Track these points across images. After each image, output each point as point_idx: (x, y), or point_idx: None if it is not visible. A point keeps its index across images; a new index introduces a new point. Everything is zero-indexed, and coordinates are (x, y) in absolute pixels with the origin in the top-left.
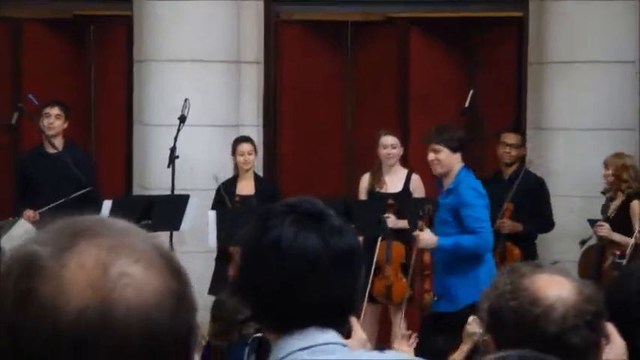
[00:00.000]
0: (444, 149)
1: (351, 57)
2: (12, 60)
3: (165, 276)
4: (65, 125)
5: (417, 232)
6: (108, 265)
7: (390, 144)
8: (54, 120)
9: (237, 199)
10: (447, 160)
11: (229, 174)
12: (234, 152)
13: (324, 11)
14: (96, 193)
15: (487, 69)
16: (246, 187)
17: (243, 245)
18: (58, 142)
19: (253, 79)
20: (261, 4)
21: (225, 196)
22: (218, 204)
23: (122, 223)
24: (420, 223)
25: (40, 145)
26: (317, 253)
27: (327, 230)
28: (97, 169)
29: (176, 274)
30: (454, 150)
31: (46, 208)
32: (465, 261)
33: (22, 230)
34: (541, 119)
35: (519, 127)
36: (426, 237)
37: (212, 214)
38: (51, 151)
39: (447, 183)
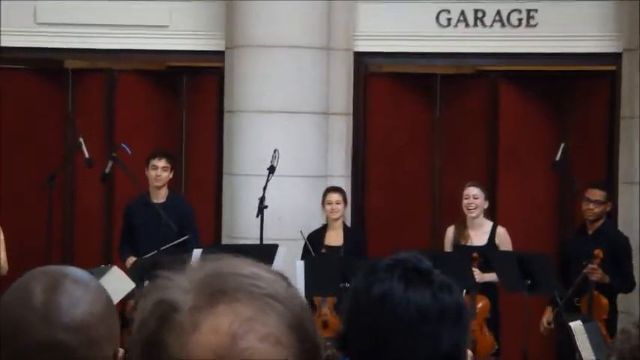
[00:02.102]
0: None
1: (440, 109)
2: (106, 110)
3: (292, 356)
4: (171, 176)
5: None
6: (238, 337)
7: (472, 194)
8: (161, 172)
9: (324, 249)
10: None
11: (317, 224)
12: (323, 202)
13: (414, 64)
14: (196, 243)
15: (578, 122)
16: (334, 238)
17: (350, 298)
18: (163, 193)
19: (342, 130)
20: (351, 56)
21: (312, 247)
22: (307, 254)
23: (266, 285)
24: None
25: (146, 194)
26: (427, 307)
27: (435, 286)
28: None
29: (304, 354)
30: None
31: (147, 256)
32: None
33: (115, 278)
34: (632, 174)
35: (609, 182)
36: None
37: (300, 264)
38: (156, 200)
39: None
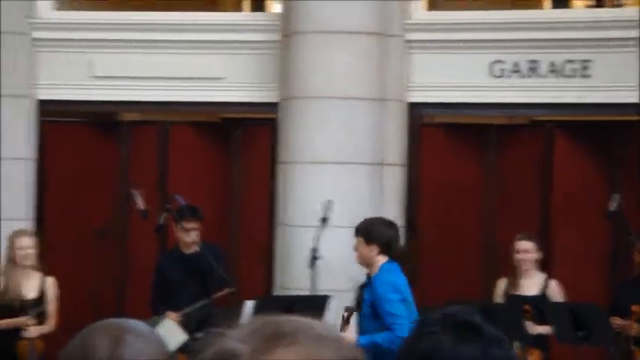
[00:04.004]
0: (359, 239)
1: (493, 160)
2: (160, 161)
3: None
4: (200, 228)
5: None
6: None
7: (522, 249)
8: (192, 231)
9: None
10: (363, 251)
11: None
12: None
13: (467, 114)
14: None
15: (632, 172)
16: None
17: (400, 350)
18: (195, 244)
19: (396, 181)
20: (405, 107)
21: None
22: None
23: (319, 329)
24: (342, 321)
25: (177, 247)
26: None
27: (485, 340)
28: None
29: None
30: (367, 242)
31: (189, 309)
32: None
33: (170, 328)
34: None
35: None
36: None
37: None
38: (187, 251)
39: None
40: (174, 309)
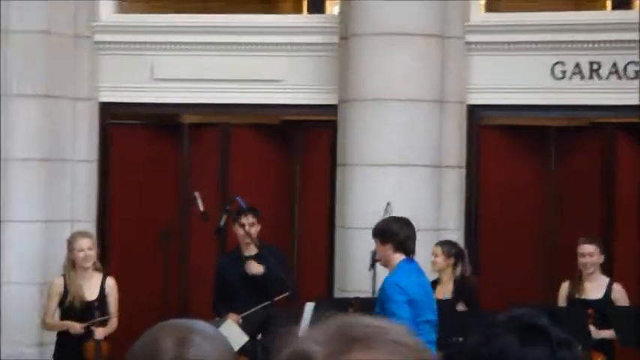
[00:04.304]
0: (375, 241)
1: (554, 162)
2: (221, 164)
3: None
4: (259, 228)
5: None
6: None
7: (587, 252)
8: (250, 228)
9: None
10: (380, 252)
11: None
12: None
13: (527, 116)
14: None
15: None
16: (444, 291)
17: (465, 353)
18: (254, 244)
19: (455, 182)
20: (464, 109)
21: None
22: None
23: (394, 333)
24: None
25: (237, 248)
26: None
27: (554, 343)
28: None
29: None
30: (382, 241)
31: (250, 311)
32: None
33: (232, 330)
34: None
35: None
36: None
37: None
38: (248, 253)
39: None
40: (235, 311)
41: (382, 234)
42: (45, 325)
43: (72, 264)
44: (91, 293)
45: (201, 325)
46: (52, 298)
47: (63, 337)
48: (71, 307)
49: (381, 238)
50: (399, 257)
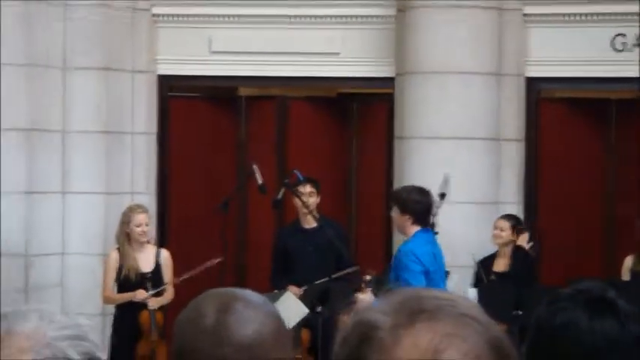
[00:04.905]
0: (394, 208)
1: (614, 135)
2: (278, 136)
3: None
4: (318, 200)
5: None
6: (439, 352)
7: None
8: (307, 198)
9: (492, 276)
10: (398, 220)
11: (489, 251)
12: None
13: (587, 89)
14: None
15: None
16: (503, 264)
17: (532, 327)
18: (314, 218)
19: (514, 156)
20: (523, 82)
21: (482, 273)
22: (478, 281)
23: (463, 307)
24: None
25: (297, 221)
26: (615, 337)
27: (622, 315)
28: (350, 244)
29: None
30: (402, 212)
31: (319, 282)
32: None
33: (290, 302)
34: None
35: None
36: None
37: (472, 292)
38: (307, 226)
39: None
40: (295, 283)
41: (403, 205)
42: (105, 300)
43: (127, 237)
44: (146, 265)
45: (246, 293)
46: (109, 272)
47: (121, 308)
48: (127, 280)
49: (401, 208)
50: (416, 227)
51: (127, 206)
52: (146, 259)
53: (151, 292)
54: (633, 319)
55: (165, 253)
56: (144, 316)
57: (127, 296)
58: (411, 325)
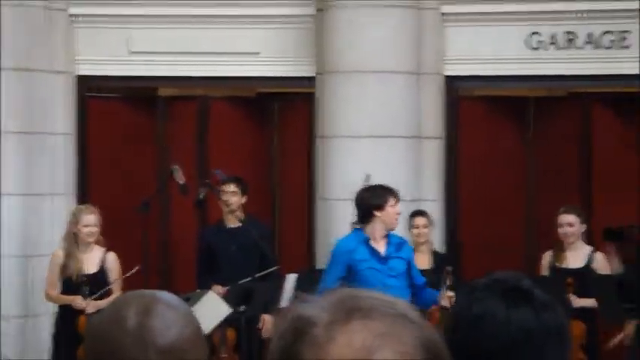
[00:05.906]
0: None
1: (532, 132)
2: (198, 137)
3: None
4: (243, 200)
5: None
6: (373, 351)
7: (566, 222)
8: (230, 197)
9: None
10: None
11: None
12: (410, 226)
13: (505, 87)
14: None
15: None
16: (421, 261)
17: (451, 317)
18: (237, 217)
19: (434, 154)
20: (442, 80)
21: None
22: None
23: (398, 308)
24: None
25: (221, 220)
26: (530, 327)
27: (537, 305)
28: (274, 243)
29: None
30: None
31: (243, 282)
32: None
33: (212, 302)
34: None
35: None
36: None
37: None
38: (231, 225)
39: None
40: (220, 282)
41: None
42: (47, 298)
43: (74, 237)
44: (91, 267)
45: (165, 295)
46: (53, 270)
47: (62, 310)
48: (69, 280)
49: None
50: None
51: (75, 206)
52: (91, 260)
53: (89, 298)
54: (549, 309)
55: (111, 256)
56: (81, 321)
57: (65, 299)
58: (347, 324)
